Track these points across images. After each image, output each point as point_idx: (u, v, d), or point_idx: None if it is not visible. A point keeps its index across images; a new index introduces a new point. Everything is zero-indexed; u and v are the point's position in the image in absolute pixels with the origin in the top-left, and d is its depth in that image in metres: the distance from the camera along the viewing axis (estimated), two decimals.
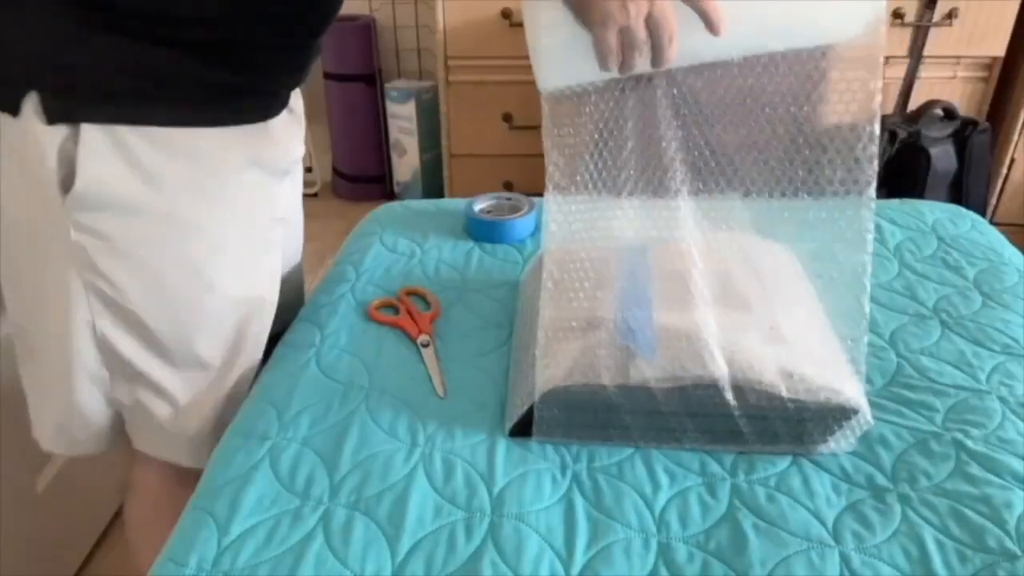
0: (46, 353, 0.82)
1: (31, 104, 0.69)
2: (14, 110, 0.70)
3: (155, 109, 0.72)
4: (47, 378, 0.84)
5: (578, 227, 0.98)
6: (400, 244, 1.17)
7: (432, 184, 2.64)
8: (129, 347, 0.80)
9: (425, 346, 0.91)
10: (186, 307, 0.80)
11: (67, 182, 0.71)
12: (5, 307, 0.84)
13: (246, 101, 0.79)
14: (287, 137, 0.87)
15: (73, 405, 0.83)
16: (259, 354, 0.91)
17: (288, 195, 0.94)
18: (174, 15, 0.70)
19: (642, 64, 0.66)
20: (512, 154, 2.28)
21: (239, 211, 0.82)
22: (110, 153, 0.71)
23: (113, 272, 0.75)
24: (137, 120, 0.71)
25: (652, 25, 0.64)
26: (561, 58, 0.70)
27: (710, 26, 0.64)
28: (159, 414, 0.85)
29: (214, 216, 0.79)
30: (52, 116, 0.69)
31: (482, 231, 1.18)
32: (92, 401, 0.83)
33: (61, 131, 0.70)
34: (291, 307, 1.02)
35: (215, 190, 0.78)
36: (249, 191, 0.82)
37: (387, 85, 2.56)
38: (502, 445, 0.76)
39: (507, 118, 2.24)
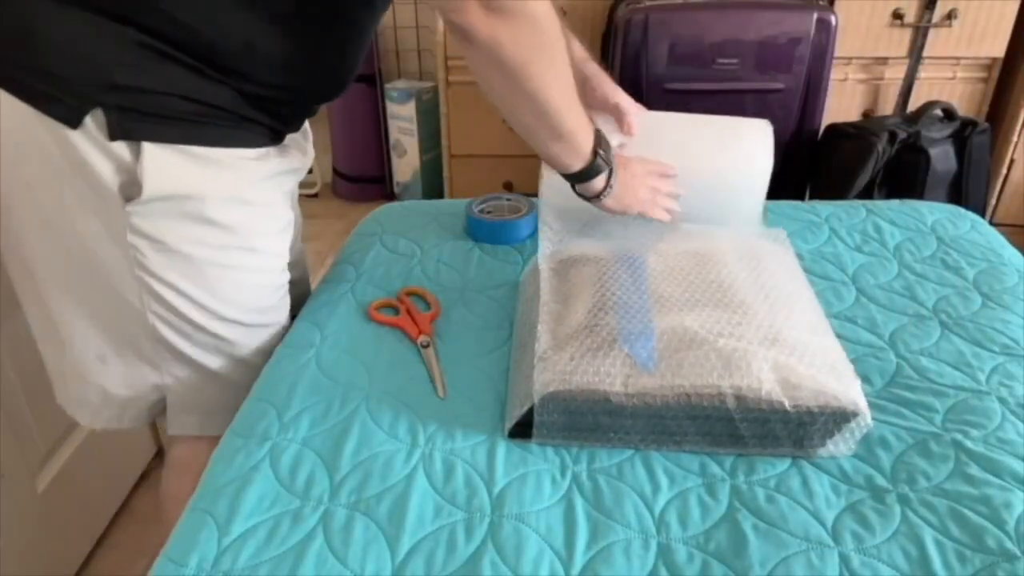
0: (101, 341, 0.89)
1: (94, 120, 0.75)
2: (75, 123, 0.74)
3: (204, 132, 0.80)
4: (94, 364, 0.90)
5: (575, 228, 0.98)
6: (400, 244, 1.17)
7: (432, 184, 2.65)
8: (177, 338, 0.88)
9: (425, 346, 0.91)
10: (228, 301, 0.89)
11: (125, 191, 0.78)
12: (33, 300, 0.89)
13: (272, 132, 0.89)
14: (299, 149, 0.97)
15: (124, 386, 0.91)
16: (283, 328, 0.99)
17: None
18: (240, 69, 0.79)
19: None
20: (512, 154, 2.28)
21: (269, 213, 0.91)
22: (168, 167, 0.78)
23: (163, 271, 0.83)
24: (190, 140, 0.79)
25: (661, 184, 0.99)
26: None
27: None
28: (207, 393, 0.93)
29: (251, 220, 0.88)
30: (114, 132, 0.75)
31: (482, 232, 1.18)
32: (138, 383, 0.91)
33: (121, 146, 0.76)
34: (301, 294, 1.10)
35: (252, 197, 0.87)
36: (276, 196, 0.92)
37: (387, 85, 2.56)
38: (502, 446, 0.76)
39: None
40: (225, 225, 0.84)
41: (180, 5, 0.74)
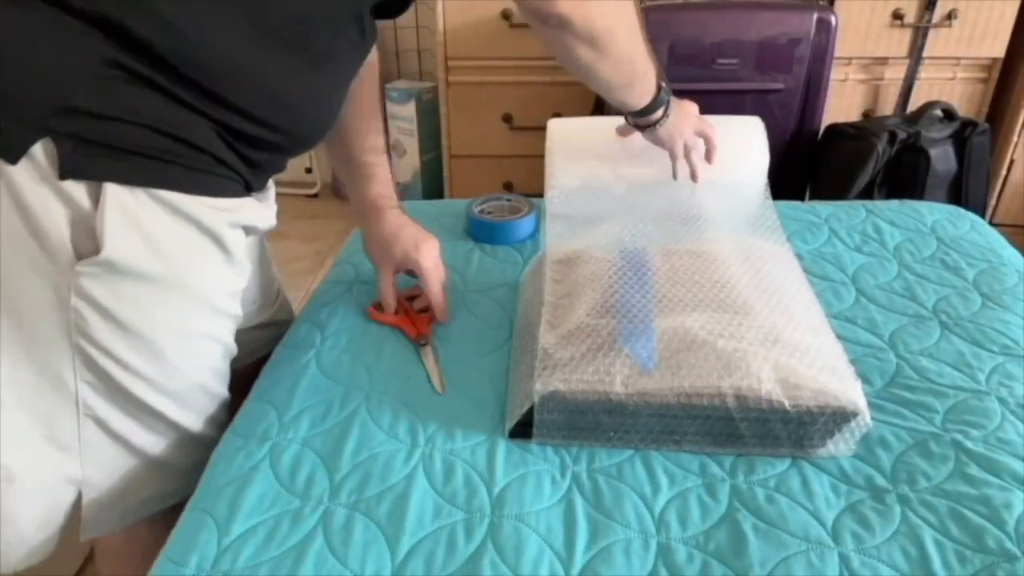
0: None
1: (41, 152, 0.62)
2: (14, 157, 0.62)
3: (176, 175, 0.69)
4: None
5: (579, 228, 0.98)
6: None
7: (432, 185, 2.64)
8: (110, 414, 0.75)
9: (425, 346, 0.91)
10: (175, 372, 0.77)
11: (76, 244, 0.65)
12: None
13: (244, 183, 0.78)
14: (266, 204, 0.86)
15: (37, 498, 0.75)
16: (224, 401, 0.87)
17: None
18: (224, 94, 0.69)
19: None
20: (512, 155, 2.28)
21: (235, 272, 0.80)
22: (129, 217, 0.66)
23: (108, 339, 0.70)
24: (156, 183, 0.68)
25: (702, 133, 1.07)
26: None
27: (674, 175, 1.07)
28: (130, 479, 0.79)
29: (217, 280, 0.78)
30: (67, 169, 0.63)
31: (482, 232, 1.18)
32: (55, 487, 0.76)
33: (77, 187, 0.64)
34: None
35: (210, 255, 0.75)
36: (242, 253, 0.80)
37: (387, 86, 2.56)
38: (502, 446, 0.77)
39: (507, 119, 2.24)
40: (190, 286, 0.73)
41: (177, 6, 0.64)
